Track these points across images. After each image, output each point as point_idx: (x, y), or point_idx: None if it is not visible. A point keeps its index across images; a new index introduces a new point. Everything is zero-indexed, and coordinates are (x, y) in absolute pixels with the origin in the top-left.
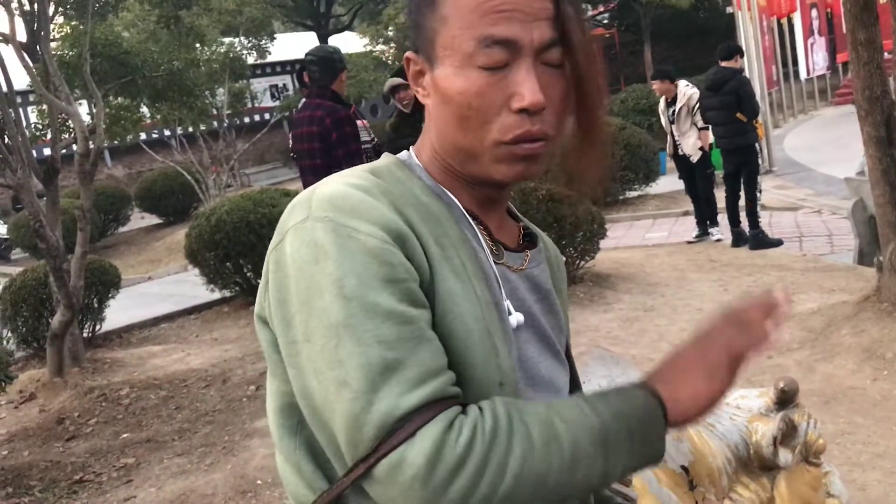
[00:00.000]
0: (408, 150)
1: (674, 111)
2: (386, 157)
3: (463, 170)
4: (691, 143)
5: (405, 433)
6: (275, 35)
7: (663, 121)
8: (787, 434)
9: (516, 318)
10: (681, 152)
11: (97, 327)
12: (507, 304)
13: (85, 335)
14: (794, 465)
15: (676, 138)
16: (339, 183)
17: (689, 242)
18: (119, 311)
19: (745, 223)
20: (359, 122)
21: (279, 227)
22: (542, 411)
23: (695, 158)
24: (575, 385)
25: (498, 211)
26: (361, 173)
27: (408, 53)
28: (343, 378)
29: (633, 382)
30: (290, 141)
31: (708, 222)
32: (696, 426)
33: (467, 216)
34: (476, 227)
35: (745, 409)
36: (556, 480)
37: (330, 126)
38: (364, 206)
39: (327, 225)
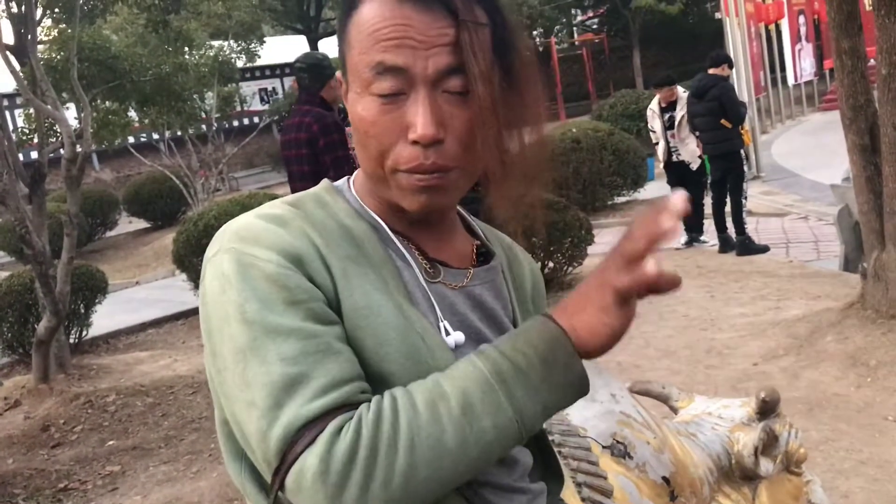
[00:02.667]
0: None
1: (671, 117)
2: (321, 184)
3: (382, 196)
4: (690, 150)
5: (306, 440)
6: (264, 39)
7: (656, 125)
8: (769, 444)
9: (454, 338)
10: (676, 159)
11: (84, 333)
12: (445, 324)
13: (71, 341)
14: (775, 475)
15: (672, 144)
16: (249, 215)
17: (678, 249)
18: (106, 317)
19: (731, 229)
20: (349, 129)
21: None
22: (429, 379)
23: (694, 165)
24: None
25: (435, 230)
26: (278, 203)
27: (338, 74)
28: (251, 399)
29: (533, 316)
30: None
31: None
32: (678, 435)
33: (393, 237)
34: (404, 247)
35: (728, 419)
36: (456, 438)
37: (317, 132)
38: (265, 234)
39: (232, 255)
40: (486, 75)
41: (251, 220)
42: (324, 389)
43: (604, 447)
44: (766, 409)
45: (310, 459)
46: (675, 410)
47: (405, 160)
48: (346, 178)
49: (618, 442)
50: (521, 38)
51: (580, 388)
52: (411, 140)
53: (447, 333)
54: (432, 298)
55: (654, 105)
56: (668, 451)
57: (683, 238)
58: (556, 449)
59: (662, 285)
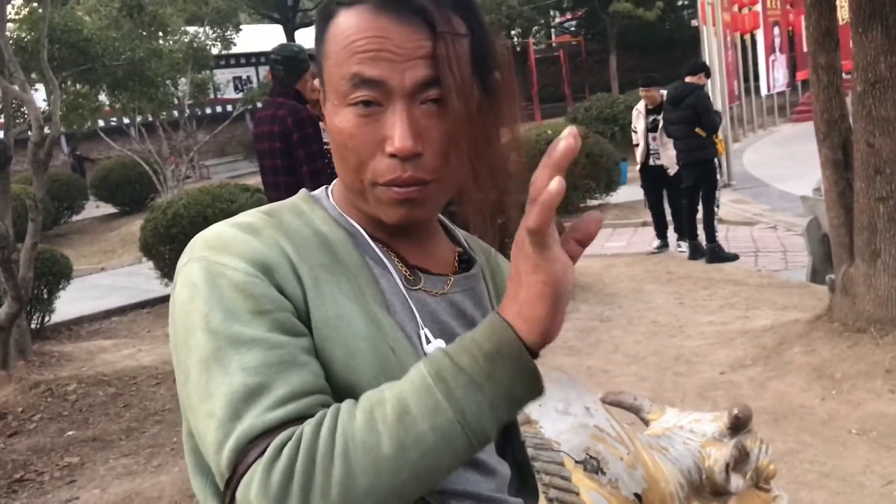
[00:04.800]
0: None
1: (655, 120)
2: (299, 193)
3: (358, 206)
4: (670, 155)
5: (257, 452)
6: (240, 26)
7: (639, 126)
8: (740, 460)
9: (435, 346)
10: (653, 162)
11: (46, 319)
12: (426, 332)
13: (32, 326)
14: (744, 491)
15: (653, 147)
16: (221, 224)
17: (651, 253)
18: (69, 303)
19: (702, 236)
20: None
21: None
22: (378, 388)
23: (672, 171)
24: None
25: (417, 237)
26: (252, 212)
27: (315, 81)
28: (211, 410)
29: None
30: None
31: (678, 234)
32: (649, 449)
33: (372, 244)
34: (383, 254)
35: (699, 434)
36: (392, 443)
37: (291, 126)
38: (234, 243)
39: (201, 264)
40: (463, 88)
41: (223, 229)
42: (283, 400)
43: (577, 462)
44: (738, 425)
45: (255, 472)
46: (646, 422)
47: (383, 173)
48: (324, 187)
49: (591, 457)
50: (498, 46)
51: (531, 383)
52: (389, 153)
53: (428, 341)
54: (412, 305)
55: (640, 105)
56: (640, 466)
57: (656, 242)
58: None
59: (584, 225)
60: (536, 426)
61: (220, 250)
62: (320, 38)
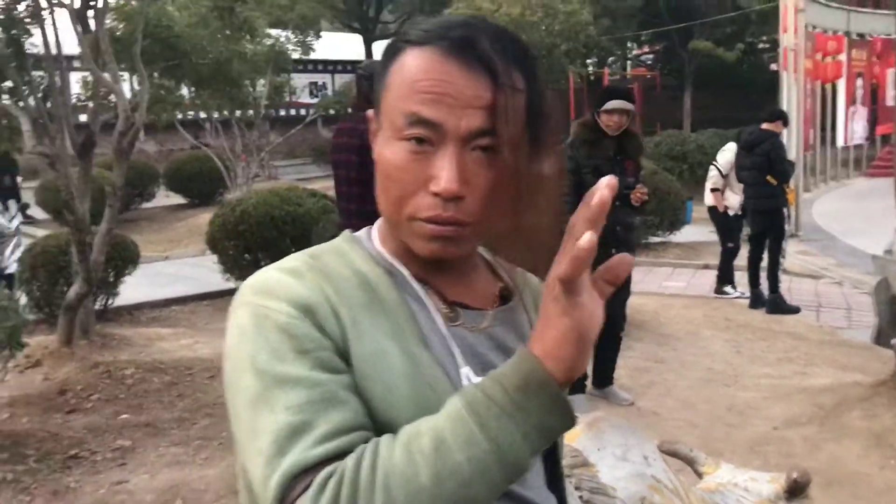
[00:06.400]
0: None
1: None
2: (341, 235)
3: (396, 238)
4: (736, 200)
5: (301, 487)
6: (321, 33)
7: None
8: None
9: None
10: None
11: (110, 302)
12: (466, 371)
13: (97, 307)
14: None
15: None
16: (269, 269)
17: (708, 298)
18: (132, 287)
19: (764, 285)
20: None
21: None
22: (410, 424)
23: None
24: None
25: (456, 272)
26: (298, 255)
27: (369, 112)
28: (259, 447)
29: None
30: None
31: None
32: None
33: (411, 281)
34: (422, 291)
35: (754, 493)
36: (429, 474)
37: (369, 140)
38: (278, 287)
39: (249, 308)
40: (516, 142)
41: (269, 275)
42: (325, 437)
43: None
44: (796, 490)
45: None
46: (700, 475)
47: (424, 209)
48: (367, 227)
49: None
50: (552, 107)
51: (561, 413)
52: (433, 192)
53: (468, 380)
54: (451, 342)
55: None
56: None
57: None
58: None
59: (613, 269)
60: (593, 470)
61: (265, 294)
62: (384, 70)
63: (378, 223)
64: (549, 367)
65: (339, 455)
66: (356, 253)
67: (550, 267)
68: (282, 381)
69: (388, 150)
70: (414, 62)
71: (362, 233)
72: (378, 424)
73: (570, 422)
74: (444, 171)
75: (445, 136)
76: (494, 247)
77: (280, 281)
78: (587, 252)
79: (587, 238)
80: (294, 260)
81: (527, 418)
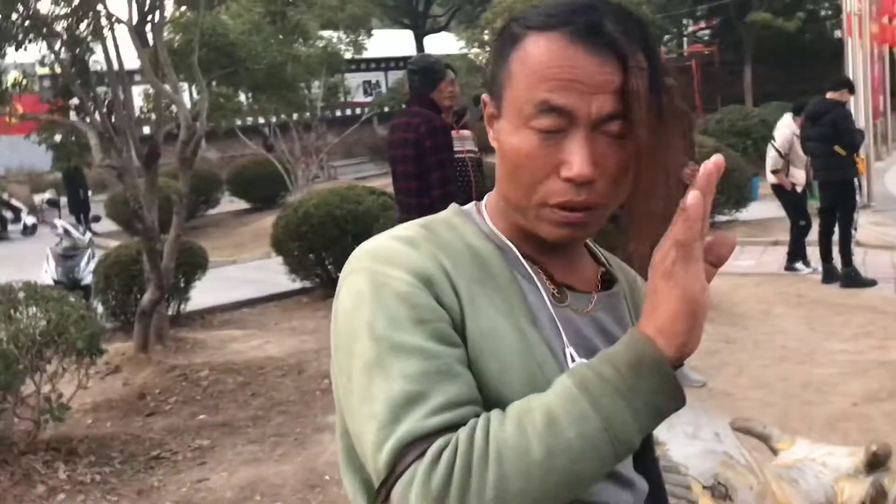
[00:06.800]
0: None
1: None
2: (450, 208)
3: (514, 221)
4: (800, 172)
5: (415, 454)
6: (372, 32)
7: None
8: (876, 500)
9: (579, 363)
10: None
11: (182, 307)
12: (571, 350)
13: (170, 314)
14: None
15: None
16: (383, 236)
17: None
18: (203, 293)
19: (837, 259)
20: (465, 132)
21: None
22: (519, 401)
23: (799, 188)
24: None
25: (565, 255)
26: (410, 225)
27: (484, 96)
28: (372, 411)
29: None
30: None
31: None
32: (779, 480)
33: (522, 260)
34: (532, 270)
35: (832, 468)
36: (542, 449)
37: (425, 134)
38: (398, 255)
39: (366, 274)
40: (647, 121)
41: (385, 242)
42: (440, 409)
43: (704, 487)
44: (876, 463)
45: (417, 473)
46: (774, 451)
47: (556, 195)
48: (473, 203)
49: (720, 483)
50: (670, 80)
51: (673, 392)
52: (565, 177)
53: (572, 360)
54: (558, 323)
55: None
56: (769, 497)
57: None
58: None
59: (716, 247)
60: (664, 448)
61: (385, 261)
62: (503, 57)
63: (487, 200)
64: (660, 346)
65: (452, 427)
66: (466, 228)
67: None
68: (399, 349)
69: (517, 138)
70: (539, 48)
71: (470, 207)
72: (488, 401)
73: (680, 402)
74: (576, 157)
75: (576, 121)
76: (627, 233)
77: (399, 250)
78: (696, 209)
79: (693, 195)
80: (408, 230)
81: (638, 397)
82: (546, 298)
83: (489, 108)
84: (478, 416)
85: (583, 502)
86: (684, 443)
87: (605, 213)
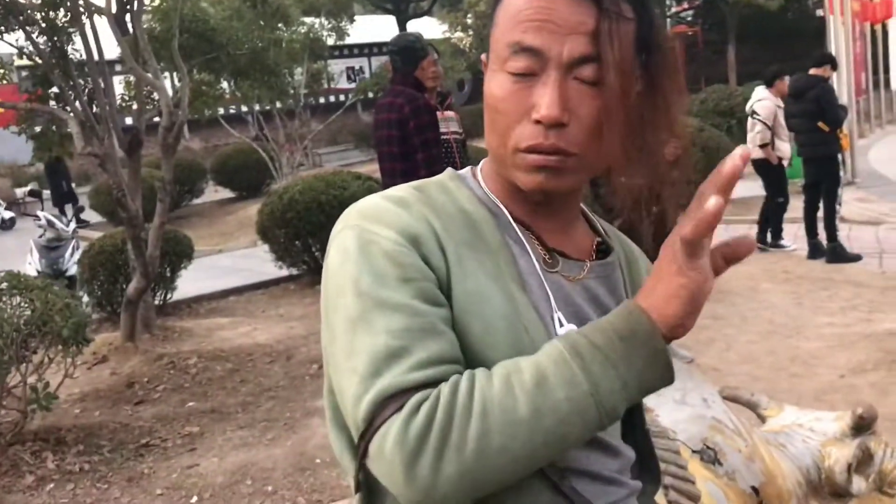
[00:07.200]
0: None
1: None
2: (445, 172)
3: (503, 177)
4: (785, 147)
5: (393, 408)
6: (354, 17)
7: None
8: (863, 462)
9: (568, 328)
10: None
11: (168, 296)
12: (559, 315)
13: (156, 303)
14: (866, 494)
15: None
16: (375, 196)
17: (761, 249)
18: (189, 282)
19: (822, 235)
20: (449, 113)
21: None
22: (507, 360)
23: (786, 162)
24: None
25: (556, 219)
26: (404, 187)
27: (483, 55)
28: (354, 366)
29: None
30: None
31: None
32: (767, 445)
33: (513, 224)
34: (523, 235)
35: (820, 433)
36: (529, 407)
37: (408, 114)
38: (387, 214)
39: (355, 231)
40: (621, 67)
41: (376, 201)
42: (422, 364)
43: (693, 451)
44: (862, 426)
45: (393, 425)
46: (762, 419)
47: (526, 138)
48: (470, 167)
49: (708, 447)
50: (666, 39)
51: (663, 368)
52: (534, 119)
53: (561, 325)
54: (548, 288)
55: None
56: (758, 460)
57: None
58: None
59: (734, 246)
60: (652, 414)
61: (374, 220)
62: (493, 8)
63: (483, 162)
64: (655, 321)
65: (433, 383)
66: (460, 192)
67: (655, 208)
68: (383, 305)
69: (493, 83)
70: None
71: (466, 171)
72: (472, 362)
73: (668, 378)
74: (546, 98)
75: (548, 63)
76: (609, 184)
77: (389, 209)
78: (713, 216)
79: (714, 202)
80: (401, 191)
81: (629, 368)
82: (536, 263)
83: (485, 67)
84: (454, 373)
85: (569, 468)
86: (673, 408)
87: (583, 165)
